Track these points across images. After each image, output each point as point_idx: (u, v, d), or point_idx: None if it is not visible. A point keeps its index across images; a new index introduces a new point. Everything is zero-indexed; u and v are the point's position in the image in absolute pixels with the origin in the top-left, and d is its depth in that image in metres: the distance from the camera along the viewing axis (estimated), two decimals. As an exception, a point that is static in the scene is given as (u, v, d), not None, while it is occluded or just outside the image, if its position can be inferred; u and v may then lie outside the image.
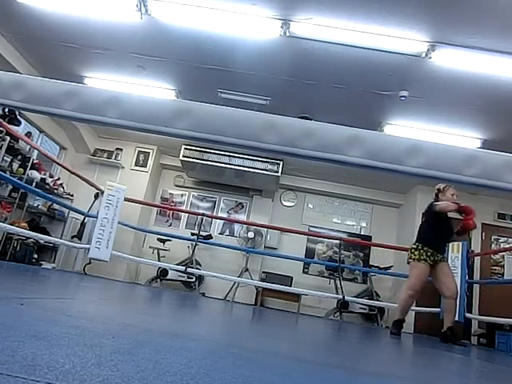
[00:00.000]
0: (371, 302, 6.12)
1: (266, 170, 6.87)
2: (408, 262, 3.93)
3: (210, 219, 7.51)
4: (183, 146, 6.91)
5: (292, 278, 6.92)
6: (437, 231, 3.83)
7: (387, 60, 4.13)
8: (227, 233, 7.76)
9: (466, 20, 3.49)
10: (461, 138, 5.40)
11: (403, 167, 0.95)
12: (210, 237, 6.95)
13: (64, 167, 5.46)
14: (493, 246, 6.88)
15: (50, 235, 5.85)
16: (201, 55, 4.67)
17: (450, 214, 3.87)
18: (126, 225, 6.13)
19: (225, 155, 6.88)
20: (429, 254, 3.75)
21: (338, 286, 6.08)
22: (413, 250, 3.87)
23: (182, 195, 8.02)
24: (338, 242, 6.63)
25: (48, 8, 4.30)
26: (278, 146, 0.97)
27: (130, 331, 1.18)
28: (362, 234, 7.82)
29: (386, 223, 7.80)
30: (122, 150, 7.47)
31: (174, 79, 5.37)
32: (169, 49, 4.67)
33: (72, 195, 6.82)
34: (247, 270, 6.76)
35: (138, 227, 6.74)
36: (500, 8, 3.30)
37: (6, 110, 5.19)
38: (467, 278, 5.28)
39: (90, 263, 6.01)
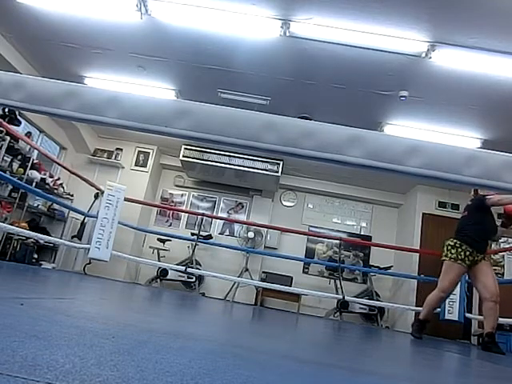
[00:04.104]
0: (371, 302, 6.12)
1: (266, 170, 6.87)
2: (442, 260, 3.56)
3: (210, 219, 7.51)
4: (183, 146, 6.92)
5: (292, 278, 6.92)
6: (481, 228, 3.50)
7: (387, 60, 4.13)
8: (227, 233, 7.76)
9: (466, 20, 3.49)
10: (461, 138, 5.40)
11: (403, 167, 0.95)
12: (210, 237, 6.95)
13: (64, 167, 5.46)
14: (493, 245, 6.87)
15: (50, 235, 5.85)
16: (201, 55, 4.67)
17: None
18: (125, 225, 6.13)
19: (225, 155, 6.88)
20: (467, 253, 3.40)
21: (338, 286, 6.08)
22: (449, 248, 3.48)
23: (182, 195, 8.02)
24: (337, 241, 6.63)
25: (48, 8, 4.29)
26: (278, 146, 0.97)
27: (130, 331, 1.18)
28: (362, 234, 7.82)
29: (386, 223, 7.80)
30: (121, 150, 7.48)
31: (174, 79, 5.37)
32: (169, 49, 4.67)
33: (72, 195, 6.82)
34: (247, 269, 6.76)
35: (138, 227, 6.74)
36: (500, 8, 3.30)
37: (6, 109, 5.19)
38: (467, 278, 5.28)
39: (89, 263, 6.01)
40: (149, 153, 7.53)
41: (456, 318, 5.32)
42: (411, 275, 6.50)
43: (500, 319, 4.62)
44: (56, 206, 6.42)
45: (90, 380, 0.53)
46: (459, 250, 3.43)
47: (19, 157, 5.50)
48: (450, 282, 3.49)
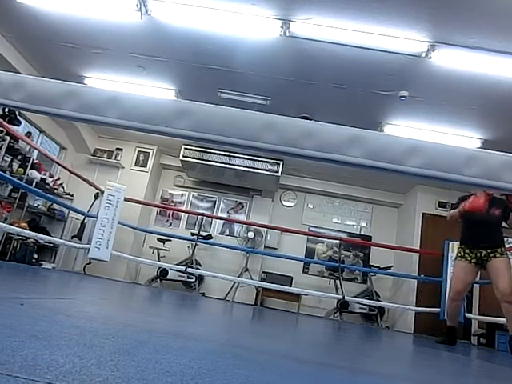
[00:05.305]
0: (371, 302, 6.12)
1: (266, 170, 6.87)
2: None
3: (210, 219, 7.51)
4: (183, 146, 6.91)
5: (292, 278, 6.92)
6: (464, 225, 3.70)
7: (387, 60, 4.13)
8: (227, 233, 7.75)
9: (466, 20, 3.49)
10: (461, 138, 5.40)
11: (403, 167, 0.95)
12: (210, 237, 6.95)
13: (64, 167, 5.46)
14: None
15: (50, 235, 5.84)
16: (201, 55, 4.67)
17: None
18: (125, 225, 6.13)
19: (225, 155, 6.88)
20: (467, 250, 3.57)
21: (338, 286, 6.08)
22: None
23: (182, 195, 8.02)
24: (337, 241, 6.63)
25: (48, 8, 4.29)
26: (278, 146, 0.97)
27: (130, 331, 1.18)
28: (362, 234, 7.81)
29: (386, 223, 7.80)
30: (121, 150, 7.47)
31: (174, 79, 5.37)
32: (169, 49, 4.67)
33: (72, 195, 6.82)
34: (247, 269, 6.76)
35: (138, 227, 6.73)
36: (500, 8, 3.30)
37: (6, 109, 5.19)
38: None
39: (89, 263, 6.01)
40: (149, 153, 7.53)
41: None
42: (411, 275, 6.50)
43: (500, 319, 4.62)
44: (56, 206, 6.41)
45: (89, 380, 0.53)
46: (459, 249, 3.70)
47: (19, 157, 5.50)
48: (453, 278, 3.70)
